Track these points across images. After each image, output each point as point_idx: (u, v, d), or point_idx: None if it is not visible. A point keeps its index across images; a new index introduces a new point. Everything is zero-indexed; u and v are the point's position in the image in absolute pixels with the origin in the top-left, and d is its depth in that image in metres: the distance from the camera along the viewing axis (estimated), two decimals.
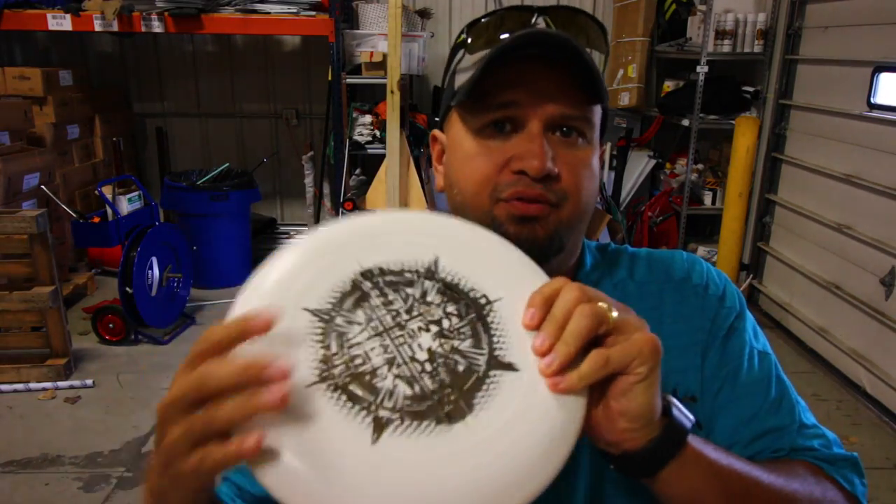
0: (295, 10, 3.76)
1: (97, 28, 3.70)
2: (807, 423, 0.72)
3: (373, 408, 0.48)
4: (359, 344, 0.50)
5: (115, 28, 3.69)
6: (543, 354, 0.50)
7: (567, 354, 0.49)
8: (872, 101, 3.07)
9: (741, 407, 0.71)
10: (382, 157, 3.78)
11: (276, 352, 0.47)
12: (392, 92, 3.58)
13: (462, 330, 0.52)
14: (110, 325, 3.36)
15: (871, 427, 2.89)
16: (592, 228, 3.42)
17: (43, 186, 3.55)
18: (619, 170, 4.21)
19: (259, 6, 3.74)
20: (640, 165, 4.45)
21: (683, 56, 4.17)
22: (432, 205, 3.73)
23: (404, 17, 3.72)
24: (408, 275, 0.53)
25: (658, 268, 0.77)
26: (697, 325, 0.73)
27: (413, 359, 0.50)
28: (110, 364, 3.20)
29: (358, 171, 4.35)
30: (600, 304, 0.51)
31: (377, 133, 4.02)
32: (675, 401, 0.56)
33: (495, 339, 0.52)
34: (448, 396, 0.49)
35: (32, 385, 2.95)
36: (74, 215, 3.44)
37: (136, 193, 3.60)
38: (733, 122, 3.92)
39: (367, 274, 0.53)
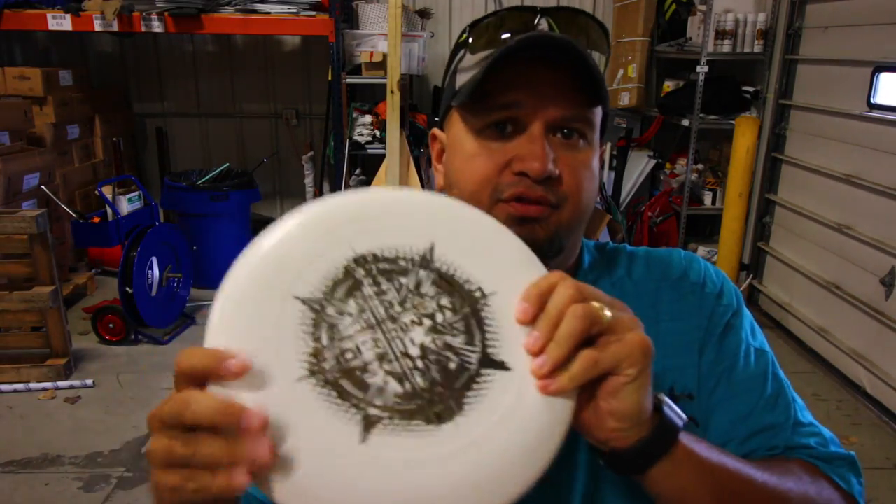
0: (295, 10, 3.76)
1: (97, 28, 3.70)
2: (803, 420, 0.71)
3: (362, 405, 0.47)
4: (350, 337, 0.49)
5: (115, 28, 3.69)
6: (536, 354, 0.50)
7: (559, 357, 0.49)
8: (872, 101, 3.07)
9: (737, 404, 0.71)
10: (382, 157, 3.78)
11: (260, 363, 0.46)
12: (392, 92, 3.58)
13: (455, 325, 0.51)
14: (110, 325, 3.36)
15: (871, 427, 2.89)
16: (592, 228, 3.42)
17: (43, 186, 3.55)
18: (619, 170, 4.20)
19: (259, 6, 3.74)
20: (640, 165, 4.45)
21: (683, 56, 4.17)
22: None
23: (404, 17, 3.72)
24: (402, 263, 0.52)
25: (656, 266, 0.77)
26: (694, 323, 0.73)
27: (405, 354, 0.49)
28: (110, 364, 3.20)
29: (358, 171, 4.34)
30: (594, 303, 0.51)
31: (377, 133, 4.02)
32: (666, 399, 0.56)
33: (488, 336, 0.51)
34: (438, 395, 0.49)
35: (32, 385, 2.95)
36: (74, 215, 3.45)
37: (136, 193, 3.60)
38: (733, 122, 3.91)
39: (360, 260, 0.51)
